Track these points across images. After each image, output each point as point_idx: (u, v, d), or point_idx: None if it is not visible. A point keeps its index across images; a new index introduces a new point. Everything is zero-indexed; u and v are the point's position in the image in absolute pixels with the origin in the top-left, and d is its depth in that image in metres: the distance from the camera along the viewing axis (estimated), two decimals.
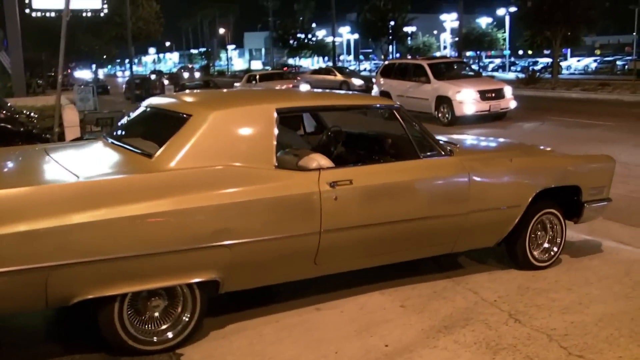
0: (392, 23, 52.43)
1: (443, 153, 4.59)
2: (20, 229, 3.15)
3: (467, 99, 16.17)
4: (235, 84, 31.80)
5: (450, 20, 73.09)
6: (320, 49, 75.53)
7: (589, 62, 56.09)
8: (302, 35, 70.06)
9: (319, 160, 4.14)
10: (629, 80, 30.10)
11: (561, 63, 49.09)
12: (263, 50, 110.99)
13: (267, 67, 75.88)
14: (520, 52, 71.22)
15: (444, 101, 16.62)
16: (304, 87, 27.06)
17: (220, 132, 3.90)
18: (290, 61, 78.11)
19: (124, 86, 36.70)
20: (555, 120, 16.71)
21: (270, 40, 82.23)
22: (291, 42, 69.46)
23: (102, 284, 3.42)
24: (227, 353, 3.74)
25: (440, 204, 4.47)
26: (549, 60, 46.10)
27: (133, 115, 4.88)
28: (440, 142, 4.77)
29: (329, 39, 61.73)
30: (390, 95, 18.40)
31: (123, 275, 3.45)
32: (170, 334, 3.71)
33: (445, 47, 79.60)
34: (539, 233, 5.08)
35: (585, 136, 12.88)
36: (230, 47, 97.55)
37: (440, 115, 16.65)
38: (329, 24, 57.89)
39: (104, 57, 70.79)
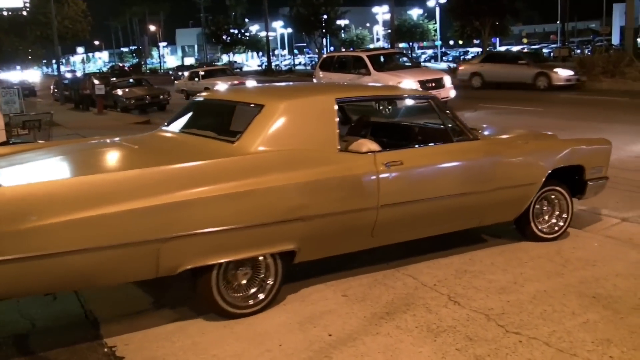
0: (324, 17, 52.60)
1: (471, 137, 5.03)
2: (137, 205, 3.54)
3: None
4: (176, 82, 30.86)
5: (382, 12, 74.14)
6: (254, 44, 75.12)
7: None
8: (235, 31, 69.31)
9: (368, 144, 4.57)
10: None
11: None
12: (196, 47, 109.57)
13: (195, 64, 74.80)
14: (452, 42, 72.94)
15: None
16: (250, 83, 26.70)
17: (291, 120, 4.35)
18: (224, 57, 77.29)
19: (51, 87, 35.45)
20: (487, 107, 17.17)
21: (202, 36, 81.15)
22: (224, 38, 68.65)
23: (202, 254, 3.83)
24: (169, 354, 3.68)
25: (472, 182, 4.93)
26: (479, 49, 47.27)
27: (191, 107, 5.39)
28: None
29: (263, 34, 61.41)
30: None
31: (220, 247, 3.88)
32: (261, 295, 4.15)
33: (378, 40, 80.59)
34: (545, 208, 5.47)
35: (515, 122, 13.27)
36: (162, 44, 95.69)
37: (381, 106, 16.84)
38: (262, 19, 57.70)
39: (29, 57, 68.24)
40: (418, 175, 4.69)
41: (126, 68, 60.97)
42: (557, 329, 3.78)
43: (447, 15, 43.38)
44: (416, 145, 5.06)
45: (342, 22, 57.57)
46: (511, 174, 5.11)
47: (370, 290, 4.50)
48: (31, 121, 11.16)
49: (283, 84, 8.33)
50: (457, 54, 56.34)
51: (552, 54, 46.90)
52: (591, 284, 4.48)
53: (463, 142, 4.98)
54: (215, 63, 68.57)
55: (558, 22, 62.13)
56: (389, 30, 45.77)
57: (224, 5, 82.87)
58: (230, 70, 33.12)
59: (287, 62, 73.67)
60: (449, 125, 5.06)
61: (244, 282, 4.13)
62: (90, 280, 3.69)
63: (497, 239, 5.48)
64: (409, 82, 16.32)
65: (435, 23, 70.42)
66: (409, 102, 5.61)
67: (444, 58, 58.90)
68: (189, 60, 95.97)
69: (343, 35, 65.12)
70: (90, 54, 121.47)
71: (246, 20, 77.08)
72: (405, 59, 21.27)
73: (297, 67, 63.67)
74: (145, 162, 4.09)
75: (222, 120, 4.99)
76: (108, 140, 5.23)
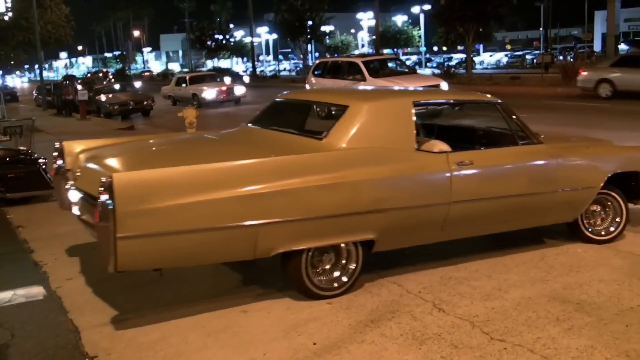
0: (309, 22, 52.61)
1: (536, 141, 5.29)
2: (240, 192, 3.99)
3: None
4: (163, 88, 30.81)
5: (366, 18, 74.21)
6: (238, 49, 74.91)
7: (501, 57, 58.26)
8: (220, 37, 69.15)
9: (440, 145, 4.88)
10: (537, 73, 31.44)
11: (475, 58, 50.77)
12: (180, 52, 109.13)
13: (185, 69, 74.46)
14: (436, 48, 73.32)
15: None
16: (238, 89, 26.65)
17: (373, 120, 4.72)
18: (209, 63, 77.07)
19: (34, 93, 35.12)
20: (472, 114, 17.21)
21: (187, 42, 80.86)
22: (209, 43, 68.45)
23: (293, 239, 4.21)
24: None
25: (536, 183, 5.18)
26: (463, 55, 47.53)
27: (274, 106, 5.88)
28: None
29: (248, 40, 61.31)
30: None
31: (309, 233, 4.25)
32: (345, 279, 4.50)
33: (363, 46, 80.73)
34: (597, 211, 5.63)
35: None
36: (146, 49, 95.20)
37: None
38: (246, 25, 57.64)
39: (12, 62, 67.66)
40: (487, 174, 4.98)
41: (109, 74, 60.34)
42: (542, 336, 3.79)
43: (431, 21, 43.61)
44: (485, 147, 5.32)
45: (327, 28, 57.61)
46: (573, 177, 5.34)
47: (355, 297, 4.48)
48: (12, 127, 11.02)
49: (361, 87, 8.59)
50: (442, 60, 56.50)
51: (535, 60, 47.41)
52: (575, 290, 4.50)
53: (528, 146, 5.25)
54: (200, 69, 68.32)
55: (541, 28, 62.66)
56: (374, 37, 45.91)
57: (208, 11, 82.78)
58: (218, 76, 32.99)
59: (271, 67, 73.46)
60: (515, 130, 5.30)
61: (328, 267, 4.50)
62: (198, 257, 4.17)
63: (481, 245, 5.49)
64: None
65: (420, 29, 70.80)
66: (478, 106, 5.80)
67: (428, 64, 59.08)
68: (174, 66, 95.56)
69: (328, 41, 65.13)
70: (73, 59, 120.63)
71: (231, 25, 77.02)
72: (400, 64, 20.98)
73: (282, 73, 63.54)
74: (245, 155, 4.46)
75: (305, 119, 5.58)
76: (204, 135, 5.77)
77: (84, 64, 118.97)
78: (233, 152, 4.83)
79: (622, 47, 44.01)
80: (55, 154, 5.37)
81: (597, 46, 56.66)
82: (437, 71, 38.18)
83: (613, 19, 31.11)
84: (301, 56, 57.61)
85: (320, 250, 4.43)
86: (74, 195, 4.76)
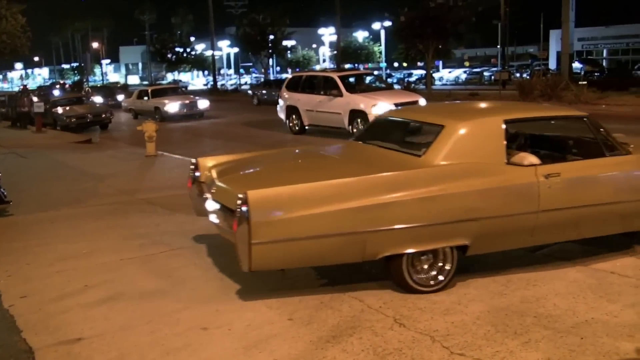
0: (271, 37, 52.80)
1: (624, 152, 5.56)
2: (352, 205, 4.54)
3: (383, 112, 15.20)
4: (123, 102, 30.36)
5: (328, 34, 74.85)
6: (199, 63, 74.54)
7: (459, 74, 59.18)
8: (181, 50, 68.68)
9: (530, 158, 5.16)
10: (495, 90, 32.10)
11: (434, 74, 51.52)
12: (140, 65, 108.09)
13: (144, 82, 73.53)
14: (396, 64, 74.21)
15: (358, 115, 15.44)
16: (202, 102, 26.43)
17: (467, 138, 5.13)
18: (169, 76, 76.40)
19: None
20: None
21: (147, 54, 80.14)
22: (169, 56, 67.90)
23: (397, 244, 4.69)
24: None
25: (622, 192, 5.46)
26: (423, 72, 48.24)
27: (377, 123, 6.50)
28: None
29: (209, 53, 61.07)
30: (298, 110, 17.44)
31: (411, 239, 4.71)
32: (441, 277, 4.89)
33: (324, 60, 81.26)
34: None
35: None
36: (105, 61, 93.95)
37: (355, 129, 15.21)
38: (208, 38, 57.40)
39: None
40: (574, 185, 5.24)
41: (67, 85, 59.10)
42: (500, 349, 3.84)
43: (392, 37, 44.19)
44: (572, 159, 5.71)
45: (288, 43, 57.89)
46: None
47: (316, 313, 4.47)
48: None
49: (455, 103, 9.14)
50: (402, 76, 57.15)
51: (492, 77, 48.40)
52: (532, 303, 4.57)
53: (616, 157, 5.51)
54: (160, 82, 67.61)
55: (498, 46, 63.98)
56: (335, 52, 46.26)
57: (169, 23, 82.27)
58: (180, 89, 32.72)
59: (233, 81, 73.15)
60: (602, 141, 5.55)
61: (426, 266, 4.91)
62: (317, 259, 4.76)
63: None
64: (385, 105, 14.81)
65: (381, 45, 71.69)
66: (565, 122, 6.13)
67: (388, 80, 59.77)
68: (133, 78, 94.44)
69: (289, 55, 65.42)
70: (29, 70, 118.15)
71: (192, 38, 76.59)
72: (375, 79, 20.73)
73: (243, 87, 63.34)
74: (355, 171, 4.98)
75: (405, 136, 6.08)
76: (318, 151, 6.43)
77: (40, 75, 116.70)
78: (345, 168, 5.38)
79: (576, 65, 45.22)
80: (192, 167, 6.14)
81: (552, 64, 58.16)
82: (397, 87, 38.59)
83: (567, 38, 32.00)
84: (262, 70, 57.67)
85: (420, 253, 4.82)
86: (211, 205, 5.39)
